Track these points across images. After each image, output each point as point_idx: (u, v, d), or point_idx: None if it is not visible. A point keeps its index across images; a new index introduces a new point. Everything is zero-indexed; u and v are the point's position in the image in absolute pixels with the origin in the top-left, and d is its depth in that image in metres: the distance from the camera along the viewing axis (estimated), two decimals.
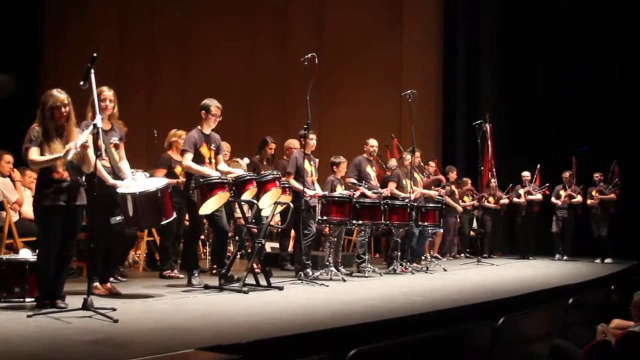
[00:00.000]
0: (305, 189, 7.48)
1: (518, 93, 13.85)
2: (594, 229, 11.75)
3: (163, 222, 5.63)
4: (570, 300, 5.98)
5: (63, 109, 4.77)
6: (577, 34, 13.94)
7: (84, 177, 4.90)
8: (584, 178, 12.12)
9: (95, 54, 4.66)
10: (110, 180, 5.55)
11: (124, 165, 5.82)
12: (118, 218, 5.52)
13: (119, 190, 5.45)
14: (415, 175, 9.51)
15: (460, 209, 11.56)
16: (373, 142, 9.03)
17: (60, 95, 4.79)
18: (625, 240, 11.84)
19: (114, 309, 4.49)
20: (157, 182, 5.73)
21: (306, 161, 7.59)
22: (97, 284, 5.61)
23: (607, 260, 11.35)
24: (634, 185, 12.07)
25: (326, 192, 7.84)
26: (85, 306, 4.43)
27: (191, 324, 4.34)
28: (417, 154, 9.45)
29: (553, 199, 12.13)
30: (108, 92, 5.70)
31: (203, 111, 6.62)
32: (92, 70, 4.66)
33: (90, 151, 4.74)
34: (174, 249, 7.71)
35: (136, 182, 5.65)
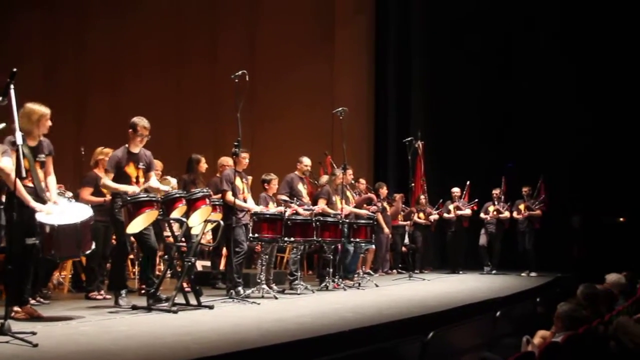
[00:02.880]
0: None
1: (448, 110, 14.14)
2: (520, 242, 12.09)
3: (79, 255, 5.46)
4: (498, 313, 6.11)
5: None
6: (507, 51, 14.39)
7: (2, 197, 4.71)
8: (512, 192, 12.47)
9: (14, 69, 4.51)
10: (31, 202, 5.32)
11: (51, 181, 5.60)
12: (32, 240, 5.30)
13: (38, 217, 5.21)
14: (347, 193, 9.57)
15: (387, 231, 11.55)
16: (306, 161, 9.04)
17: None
18: (549, 254, 12.21)
19: (33, 333, 4.31)
20: (79, 212, 5.46)
21: (238, 178, 7.53)
22: (16, 307, 5.37)
23: (532, 274, 11.66)
24: (558, 200, 12.49)
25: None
26: (2, 331, 4.24)
27: (116, 346, 4.21)
28: (350, 171, 9.52)
29: (482, 215, 12.43)
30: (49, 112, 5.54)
31: (130, 130, 6.49)
32: (12, 86, 4.50)
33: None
34: (100, 269, 7.48)
35: (58, 208, 5.42)
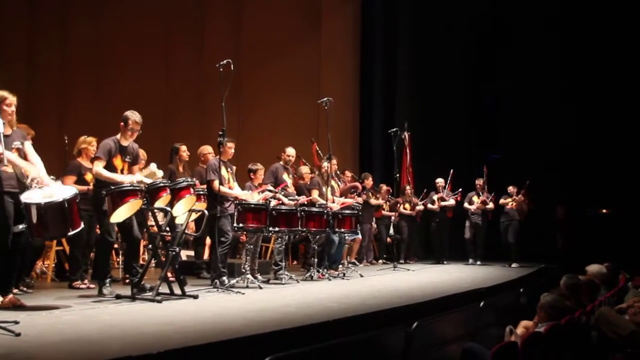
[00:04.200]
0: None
1: (433, 101, 14.19)
2: (503, 235, 12.16)
3: (70, 233, 5.42)
4: (482, 303, 6.14)
5: None
6: (493, 42, 14.44)
7: None
8: (495, 184, 12.53)
9: None
10: None
11: (37, 163, 5.54)
12: (21, 227, 5.27)
13: (23, 199, 5.18)
14: (333, 182, 9.57)
15: (381, 202, 11.76)
16: (290, 152, 9.04)
17: None
18: (534, 245, 12.30)
19: (16, 322, 4.27)
20: (65, 190, 5.44)
21: (223, 168, 7.50)
22: None
23: (514, 265, 11.75)
24: (543, 192, 12.57)
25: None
26: None
27: (99, 335, 4.18)
28: (334, 161, 9.52)
29: (466, 205, 12.47)
30: (13, 98, 5.46)
31: (122, 123, 6.46)
32: None
33: None
34: (84, 258, 7.44)
35: (43, 190, 5.39)
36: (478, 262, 12.21)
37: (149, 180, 6.58)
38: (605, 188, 12.84)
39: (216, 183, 7.39)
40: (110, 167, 6.33)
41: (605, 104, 13.07)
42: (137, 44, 15.01)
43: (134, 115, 6.46)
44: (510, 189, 12.26)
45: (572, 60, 13.37)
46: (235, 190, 7.70)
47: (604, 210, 13.37)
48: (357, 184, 10.96)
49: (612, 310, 5.64)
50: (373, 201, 11.42)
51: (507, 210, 12.20)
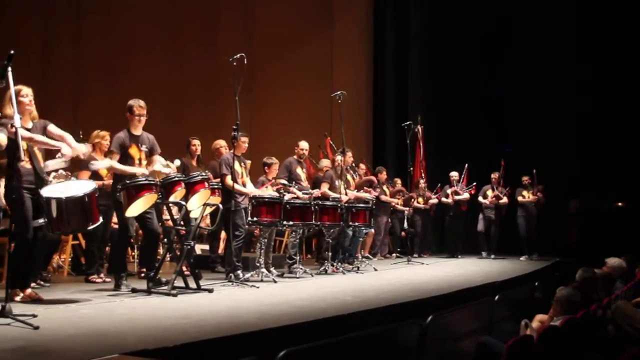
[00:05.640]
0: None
1: (447, 94, 14.13)
2: (521, 227, 12.11)
3: (90, 227, 5.46)
4: (497, 297, 6.12)
5: None
6: (505, 34, 14.36)
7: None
8: (509, 178, 12.47)
9: (12, 52, 4.47)
10: None
11: (67, 135, 5.57)
12: (40, 221, 5.31)
13: (43, 193, 5.22)
14: (348, 176, 9.58)
15: (395, 201, 11.76)
16: (304, 145, 9.05)
17: None
18: (548, 239, 12.25)
19: (34, 316, 4.32)
20: (84, 185, 5.50)
21: (236, 162, 7.52)
22: (17, 290, 5.39)
23: (534, 257, 11.73)
24: (557, 185, 12.50)
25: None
26: (3, 313, 4.25)
27: (116, 329, 4.22)
28: (349, 154, 9.52)
29: (480, 198, 12.43)
30: (28, 89, 5.50)
31: (128, 112, 6.49)
32: (10, 68, 4.47)
33: None
34: (100, 252, 7.50)
35: (62, 185, 5.44)
36: (492, 256, 12.17)
37: (166, 170, 6.61)
38: (621, 181, 12.74)
39: (228, 178, 7.42)
40: (127, 157, 6.36)
41: (622, 96, 12.96)
42: (150, 38, 15.06)
43: (137, 102, 6.49)
44: (525, 179, 12.20)
45: (587, 52, 13.26)
46: (248, 188, 7.71)
47: (620, 204, 13.26)
48: (373, 177, 10.96)
49: (628, 303, 5.60)
50: (384, 197, 11.36)
51: (524, 203, 12.15)
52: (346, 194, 9.02)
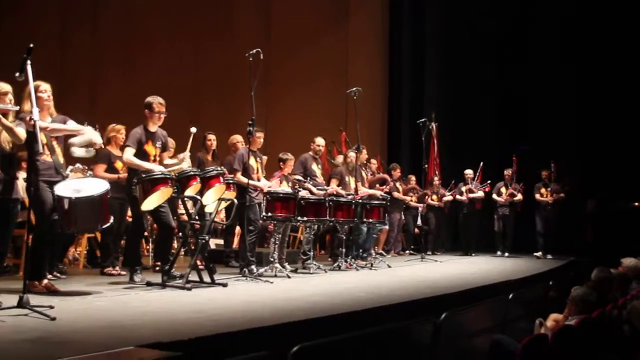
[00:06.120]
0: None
1: (462, 91, 14.08)
2: (539, 224, 12.04)
3: (99, 228, 5.50)
4: (511, 296, 6.10)
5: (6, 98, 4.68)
6: (521, 33, 14.28)
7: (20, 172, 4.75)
8: (525, 175, 12.41)
9: (31, 45, 4.51)
10: None
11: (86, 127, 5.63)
12: (55, 214, 5.36)
13: (57, 192, 5.25)
14: (362, 172, 9.57)
15: (408, 199, 11.74)
16: (320, 141, 9.06)
17: (2, 83, 4.69)
18: (563, 238, 12.18)
19: (51, 307, 4.35)
20: (97, 185, 5.49)
21: (252, 158, 7.54)
22: (35, 281, 5.44)
23: (548, 256, 11.68)
24: (573, 186, 12.42)
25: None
26: (21, 304, 4.28)
27: (131, 321, 4.25)
28: (364, 151, 9.52)
29: (494, 196, 12.39)
30: (46, 85, 5.55)
31: (147, 109, 6.51)
32: (29, 62, 4.51)
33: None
34: (115, 245, 7.54)
35: (76, 183, 5.48)
36: (506, 254, 12.13)
37: (179, 167, 6.64)
38: (637, 181, 12.64)
39: (239, 174, 7.45)
40: (143, 154, 6.39)
41: (638, 93, 12.85)
42: (167, 31, 15.09)
43: (156, 99, 6.52)
44: (545, 174, 12.13)
45: (604, 52, 13.15)
46: (261, 182, 7.73)
47: (636, 203, 13.16)
48: (386, 175, 10.95)
49: None
50: (396, 194, 11.34)
51: (540, 202, 12.09)
52: (357, 191, 8.98)
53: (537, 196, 12.12)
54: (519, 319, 6.20)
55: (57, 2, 14.91)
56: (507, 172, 12.40)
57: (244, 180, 7.34)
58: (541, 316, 5.23)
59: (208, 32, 15.54)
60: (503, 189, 12.36)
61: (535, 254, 11.83)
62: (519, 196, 12.23)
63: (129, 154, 6.31)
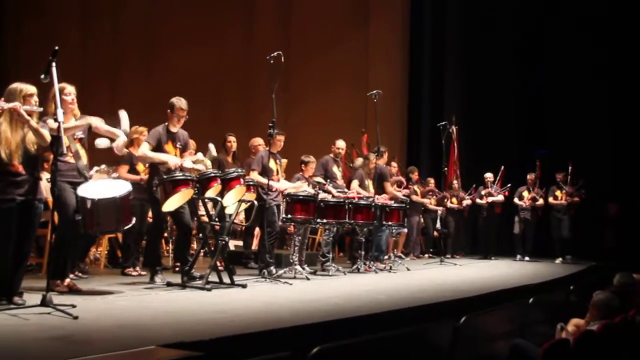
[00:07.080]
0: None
1: (483, 95, 14.00)
2: (556, 229, 11.95)
3: (121, 229, 5.55)
4: (531, 300, 6.07)
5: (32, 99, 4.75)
6: (539, 35, 14.19)
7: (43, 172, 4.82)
8: (545, 180, 12.32)
9: (56, 47, 4.56)
10: None
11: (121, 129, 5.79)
12: (77, 217, 5.41)
13: (79, 192, 5.30)
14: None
15: (426, 201, 11.72)
16: (340, 144, 9.08)
17: (28, 85, 4.77)
18: (584, 242, 12.07)
19: (73, 306, 4.40)
20: (118, 187, 5.53)
21: (271, 160, 7.57)
22: (57, 280, 5.51)
23: (568, 257, 11.59)
24: (594, 188, 12.30)
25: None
26: (44, 303, 4.34)
27: (153, 321, 4.29)
28: (385, 155, 9.53)
29: (515, 200, 12.30)
30: (71, 87, 5.61)
31: (169, 110, 6.58)
32: (54, 64, 4.57)
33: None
34: (136, 246, 7.61)
35: (98, 184, 5.54)
36: (526, 258, 12.05)
37: (198, 167, 6.68)
38: None
39: (254, 173, 7.49)
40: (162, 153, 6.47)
41: None
42: (188, 34, 15.19)
43: (179, 102, 6.57)
44: (559, 176, 12.04)
45: (625, 54, 13.01)
46: (281, 183, 7.75)
47: None
48: (401, 178, 10.94)
49: None
50: (414, 197, 11.30)
51: (554, 205, 12.01)
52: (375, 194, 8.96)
53: (551, 199, 12.02)
54: (539, 323, 6.16)
55: (79, 6, 15.08)
56: (530, 176, 12.31)
57: (262, 179, 7.37)
58: (562, 321, 5.19)
59: (230, 34, 15.63)
60: (525, 193, 12.28)
61: (555, 260, 11.71)
62: (541, 201, 12.14)
63: (144, 148, 6.39)
